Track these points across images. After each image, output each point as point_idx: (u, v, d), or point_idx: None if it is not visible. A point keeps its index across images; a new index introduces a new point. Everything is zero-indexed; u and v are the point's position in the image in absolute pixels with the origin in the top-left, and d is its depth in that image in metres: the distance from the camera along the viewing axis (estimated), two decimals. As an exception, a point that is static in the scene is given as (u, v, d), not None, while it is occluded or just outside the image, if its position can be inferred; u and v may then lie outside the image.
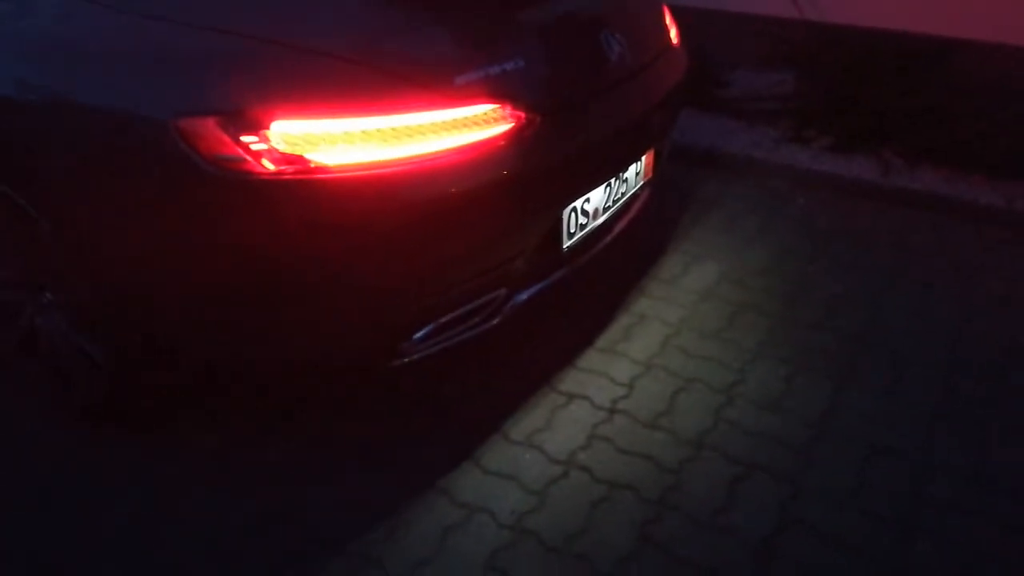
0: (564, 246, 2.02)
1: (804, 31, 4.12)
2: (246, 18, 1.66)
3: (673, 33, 2.45)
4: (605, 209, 2.15)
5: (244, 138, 1.47)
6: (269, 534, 1.76)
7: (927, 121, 3.47)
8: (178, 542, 1.74)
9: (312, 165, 1.49)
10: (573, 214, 1.99)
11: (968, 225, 3.11)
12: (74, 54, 1.65)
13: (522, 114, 1.71)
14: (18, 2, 1.80)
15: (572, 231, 2.03)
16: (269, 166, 1.48)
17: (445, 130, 1.59)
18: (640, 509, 1.82)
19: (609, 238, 2.28)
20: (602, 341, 2.40)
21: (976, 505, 1.83)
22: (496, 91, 1.67)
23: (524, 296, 2.01)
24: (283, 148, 1.48)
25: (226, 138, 1.48)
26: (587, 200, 2.03)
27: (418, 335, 1.81)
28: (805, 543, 1.74)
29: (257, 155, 1.48)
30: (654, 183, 2.54)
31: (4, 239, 1.94)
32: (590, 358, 2.32)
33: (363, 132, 1.52)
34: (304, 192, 1.50)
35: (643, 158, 2.26)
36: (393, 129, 1.54)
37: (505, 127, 1.68)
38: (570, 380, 2.23)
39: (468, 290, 1.82)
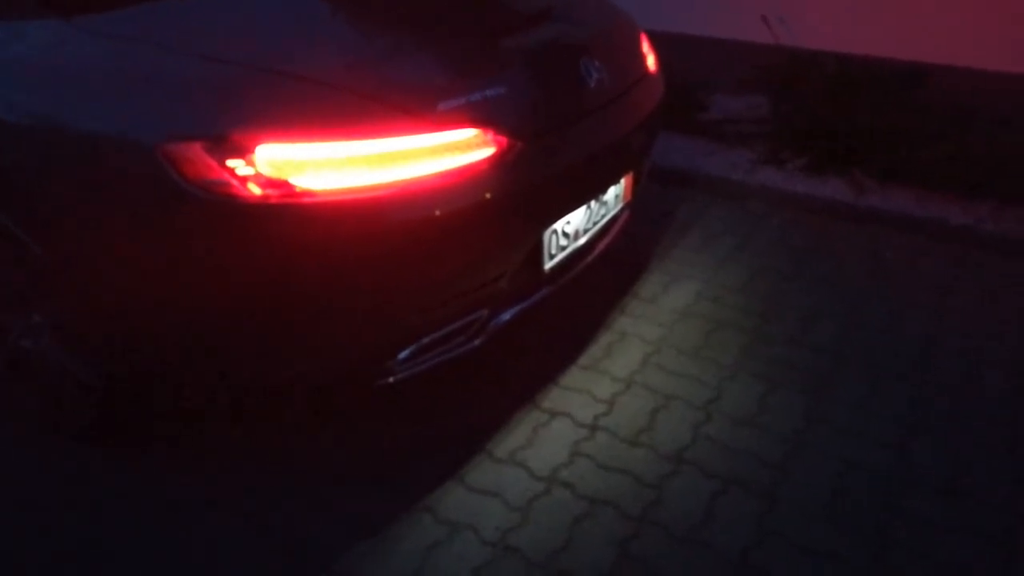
0: (545, 267, 2.06)
1: (779, 56, 4.23)
2: (231, 45, 1.70)
3: (651, 60, 2.52)
4: (585, 231, 2.19)
5: (230, 162, 1.50)
6: (255, 549, 1.77)
7: (898, 143, 3.57)
8: (166, 560, 1.75)
9: (297, 189, 1.52)
10: (554, 236, 2.04)
11: (939, 244, 3.19)
12: (62, 80, 1.67)
13: (504, 139, 1.75)
14: (8, 29, 1.83)
15: (553, 252, 2.07)
16: (255, 190, 1.50)
17: (429, 155, 1.63)
18: (621, 525, 1.85)
19: (590, 258, 2.32)
20: (583, 359, 2.44)
21: (950, 517, 1.88)
22: (479, 117, 1.72)
23: (506, 316, 2.04)
24: (268, 172, 1.51)
25: (212, 162, 1.50)
26: (568, 222, 2.07)
27: (402, 355, 1.84)
28: (782, 556, 1.77)
29: (243, 179, 1.50)
30: (633, 205, 2.59)
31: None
32: (572, 376, 2.36)
33: (348, 157, 1.55)
34: (289, 216, 1.52)
35: (622, 181, 2.31)
36: (378, 154, 1.57)
37: (487, 152, 1.72)
38: (552, 397, 2.26)
39: (451, 310, 1.86)
